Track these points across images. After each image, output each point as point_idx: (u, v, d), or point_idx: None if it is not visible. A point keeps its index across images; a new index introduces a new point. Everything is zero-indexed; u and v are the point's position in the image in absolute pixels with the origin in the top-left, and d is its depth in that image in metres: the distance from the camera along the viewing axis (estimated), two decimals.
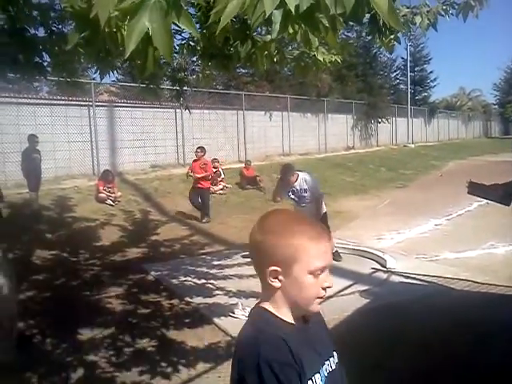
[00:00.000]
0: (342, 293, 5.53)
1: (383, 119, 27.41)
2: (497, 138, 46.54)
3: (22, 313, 4.60)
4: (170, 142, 14.99)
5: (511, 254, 6.95)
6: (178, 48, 4.21)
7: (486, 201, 10.68)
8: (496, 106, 55.28)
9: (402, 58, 39.39)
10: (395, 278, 6.02)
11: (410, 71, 35.71)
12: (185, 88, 5.85)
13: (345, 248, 7.51)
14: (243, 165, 14.46)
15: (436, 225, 9.31)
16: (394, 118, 28.94)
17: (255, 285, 5.11)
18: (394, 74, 40.40)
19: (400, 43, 4.27)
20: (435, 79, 44.65)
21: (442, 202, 11.57)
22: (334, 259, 6.73)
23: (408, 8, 3.78)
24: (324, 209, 6.81)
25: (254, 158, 15.81)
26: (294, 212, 1.68)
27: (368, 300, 5.30)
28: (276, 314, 1.26)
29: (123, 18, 1.48)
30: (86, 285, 6.13)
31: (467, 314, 4.63)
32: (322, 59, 4.18)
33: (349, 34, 23.02)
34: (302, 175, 6.61)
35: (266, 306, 1.29)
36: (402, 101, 32.09)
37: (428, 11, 3.73)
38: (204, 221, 10.02)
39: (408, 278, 5.97)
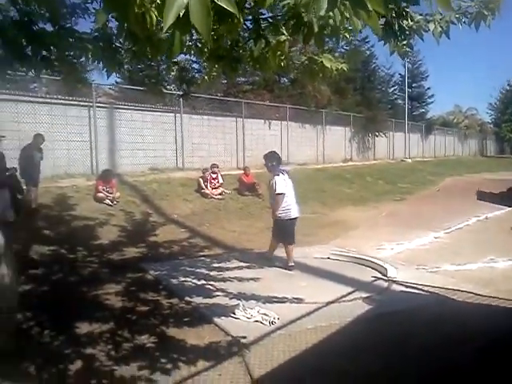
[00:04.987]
0: (343, 299, 5.50)
1: (381, 133, 27.53)
2: (492, 157, 46.81)
3: (21, 305, 4.54)
4: (169, 146, 14.96)
5: (511, 268, 6.95)
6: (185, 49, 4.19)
7: (484, 216, 10.80)
8: (491, 125, 55.67)
9: (400, 75, 39.83)
10: (396, 287, 5.98)
11: (407, 87, 35.97)
12: (191, 91, 5.83)
13: (344, 256, 7.50)
14: (242, 171, 14.44)
15: (435, 237, 9.29)
16: (391, 133, 29.08)
17: (257, 287, 5.11)
18: (392, 89, 40.86)
19: (413, 49, 4.30)
20: (432, 96, 45.12)
21: (440, 215, 11.59)
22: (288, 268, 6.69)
23: (421, 15, 3.80)
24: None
25: (252, 166, 15.76)
26: None
27: (370, 307, 5.26)
28: None
29: None
30: (84, 281, 6.07)
31: (468, 324, 4.61)
32: (329, 66, 4.19)
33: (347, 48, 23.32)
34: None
35: None
36: (400, 116, 32.26)
37: (441, 19, 3.75)
38: None
39: (409, 287, 5.94)
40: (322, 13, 1.27)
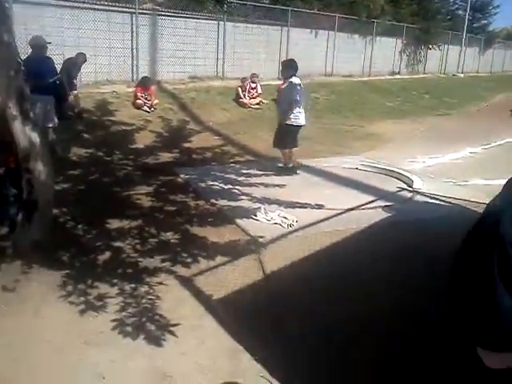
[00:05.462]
0: (364, 207, 5.61)
1: (434, 46, 25.95)
2: None
3: (58, 201, 4.88)
4: (211, 54, 14.73)
5: None
6: None
7: None
8: None
9: None
10: (420, 198, 6.02)
11: None
12: None
13: (373, 167, 7.51)
14: (281, 82, 14.22)
15: (471, 152, 9.08)
16: (446, 46, 27.36)
17: (281, 193, 5.28)
18: None
19: None
20: (498, 6, 41.45)
21: (482, 131, 11.19)
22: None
23: None
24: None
25: None
26: None
27: (389, 215, 5.36)
28: None
29: None
30: (118, 182, 6.40)
31: None
32: None
33: None
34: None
35: None
36: (458, 27, 30.06)
37: None
38: None
39: (433, 198, 5.96)
40: None
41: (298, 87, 6.98)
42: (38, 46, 7.39)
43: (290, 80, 7.05)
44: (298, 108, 7.00)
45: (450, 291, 1.11)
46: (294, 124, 7.07)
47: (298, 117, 7.07)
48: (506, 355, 1.02)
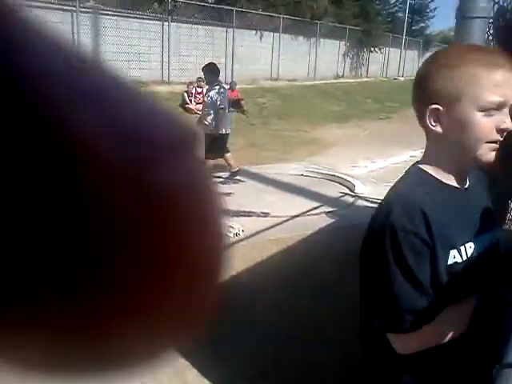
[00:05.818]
0: (308, 213, 5.75)
1: (376, 48, 26.81)
2: None
3: None
4: (155, 57, 14.59)
5: None
6: None
7: None
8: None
9: None
10: (362, 203, 6.23)
11: None
12: None
13: (317, 173, 7.69)
14: (227, 86, 14.26)
15: (411, 156, 9.44)
16: (387, 48, 28.31)
17: (227, 202, 5.24)
18: (394, 0, 39.16)
19: None
20: (435, 9, 43.29)
21: (421, 135, 11.56)
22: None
23: None
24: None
25: (240, 81, 15.50)
26: (476, 44, 1.36)
27: (332, 220, 5.52)
28: (430, 172, 1.13)
29: None
30: None
31: None
32: None
33: None
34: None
35: (423, 162, 1.17)
36: (398, 30, 31.21)
37: None
38: None
39: (374, 203, 6.16)
40: None
41: (220, 94, 6.67)
42: None
43: (216, 86, 6.71)
44: (225, 115, 6.87)
45: (360, 284, 1.20)
46: (224, 132, 6.90)
47: (228, 124, 6.95)
48: (414, 336, 1.06)
